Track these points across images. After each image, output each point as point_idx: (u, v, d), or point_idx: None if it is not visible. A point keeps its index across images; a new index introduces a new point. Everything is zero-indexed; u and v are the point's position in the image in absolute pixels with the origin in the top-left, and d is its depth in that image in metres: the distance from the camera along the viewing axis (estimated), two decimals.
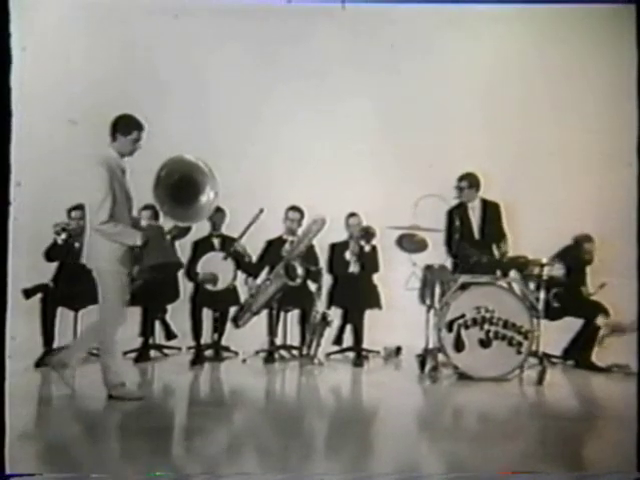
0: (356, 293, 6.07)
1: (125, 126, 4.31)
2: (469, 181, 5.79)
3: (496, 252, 5.61)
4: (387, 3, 5.69)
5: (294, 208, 6.14)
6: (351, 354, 6.04)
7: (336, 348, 6.13)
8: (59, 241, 5.65)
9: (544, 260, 5.44)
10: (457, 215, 5.67)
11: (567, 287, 5.81)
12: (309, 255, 5.99)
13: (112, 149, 4.33)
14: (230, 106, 6.56)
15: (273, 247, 6.09)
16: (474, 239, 5.76)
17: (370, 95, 6.63)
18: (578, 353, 5.81)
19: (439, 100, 6.68)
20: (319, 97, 6.65)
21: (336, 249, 6.22)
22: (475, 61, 6.63)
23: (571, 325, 5.85)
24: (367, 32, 6.47)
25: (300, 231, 6.04)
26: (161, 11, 6.15)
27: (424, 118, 6.71)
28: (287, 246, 5.96)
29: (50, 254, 5.68)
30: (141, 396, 4.46)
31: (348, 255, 6.15)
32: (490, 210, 5.84)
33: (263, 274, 6.01)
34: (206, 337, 5.95)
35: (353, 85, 6.60)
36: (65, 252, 5.69)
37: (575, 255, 5.95)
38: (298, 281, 5.72)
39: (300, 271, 5.71)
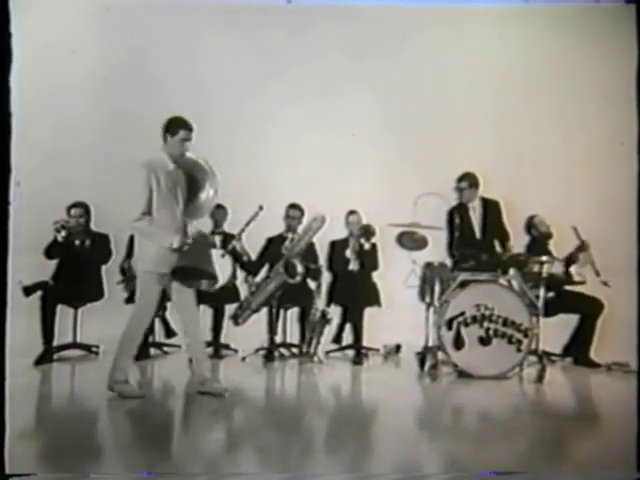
0: (356, 291, 6.07)
1: (172, 126, 4.35)
2: (469, 181, 5.78)
3: (500, 250, 5.65)
4: (388, 3, 5.68)
5: (294, 206, 6.15)
6: (351, 352, 6.05)
7: (336, 346, 6.14)
8: (59, 239, 5.64)
9: (544, 258, 5.45)
10: (458, 214, 5.66)
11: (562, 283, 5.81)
12: (309, 253, 6.00)
13: (164, 152, 4.36)
14: (230, 104, 6.57)
15: (273, 245, 6.09)
16: (475, 238, 5.76)
17: (371, 93, 6.63)
18: (577, 350, 5.82)
19: (440, 98, 6.69)
20: (320, 96, 6.65)
21: (336, 247, 6.23)
22: (476, 60, 6.63)
23: (570, 322, 5.84)
24: (368, 31, 6.47)
25: (300, 229, 6.05)
26: (161, 10, 6.16)
27: (425, 116, 6.72)
28: (287, 244, 5.96)
29: (50, 252, 5.67)
30: (142, 394, 4.46)
31: (348, 253, 6.16)
32: (490, 208, 5.83)
33: (263, 272, 6.01)
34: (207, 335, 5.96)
35: (354, 84, 6.61)
36: (65, 250, 5.70)
37: (538, 237, 5.99)
38: (298, 279, 5.72)
39: (300, 269, 5.70)
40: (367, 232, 6.12)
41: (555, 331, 5.68)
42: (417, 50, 6.63)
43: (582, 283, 5.77)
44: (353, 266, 6.16)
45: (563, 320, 5.81)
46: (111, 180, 6.24)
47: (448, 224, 5.76)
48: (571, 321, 5.84)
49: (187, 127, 4.36)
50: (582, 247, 5.75)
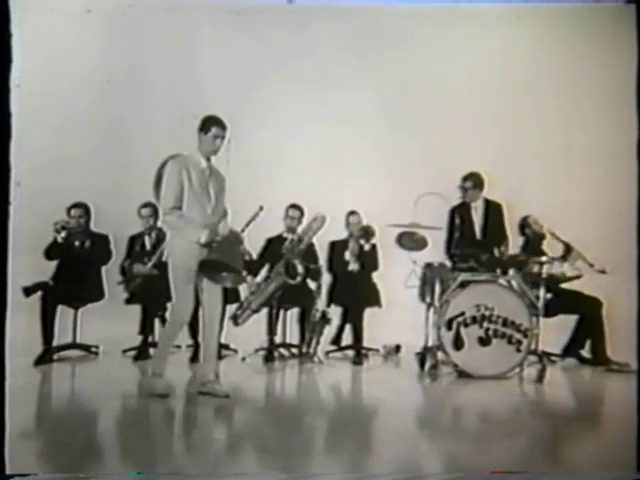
0: (356, 291, 6.07)
1: (205, 124, 4.39)
2: (473, 181, 5.78)
3: (496, 252, 5.64)
4: (390, 2, 5.69)
5: (294, 206, 6.14)
6: (351, 352, 6.05)
7: (336, 346, 6.14)
8: (59, 239, 5.64)
9: (544, 258, 5.45)
10: (459, 214, 5.67)
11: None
12: (309, 253, 5.99)
13: (198, 151, 4.41)
14: (231, 104, 6.55)
15: (273, 245, 6.09)
16: (475, 239, 5.76)
17: (372, 94, 6.64)
18: (576, 350, 5.81)
19: (441, 99, 6.70)
20: (321, 97, 6.65)
21: (336, 247, 6.22)
22: (476, 59, 6.64)
23: (570, 323, 5.84)
24: (370, 31, 6.48)
25: (300, 229, 6.04)
26: (162, 11, 6.15)
27: (426, 116, 6.72)
28: (287, 244, 5.96)
29: (50, 252, 5.67)
30: (167, 393, 4.44)
31: (348, 254, 6.15)
32: (493, 210, 5.83)
33: (263, 272, 6.01)
34: None
35: (355, 84, 6.61)
36: (65, 250, 5.70)
37: (532, 237, 5.98)
38: (298, 279, 5.71)
39: (300, 269, 5.69)
40: (367, 233, 6.12)
41: (555, 331, 5.68)
42: (418, 50, 6.63)
43: (578, 277, 5.76)
44: (353, 267, 6.16)
45: (563, 320, 5.81)
46: (111, 181, 6.26)
47: (449, 223, 5.76)
48: (571, 322, 5.84)
49: (220, 125, 4.41)
50: (568, 248, 5.75)
